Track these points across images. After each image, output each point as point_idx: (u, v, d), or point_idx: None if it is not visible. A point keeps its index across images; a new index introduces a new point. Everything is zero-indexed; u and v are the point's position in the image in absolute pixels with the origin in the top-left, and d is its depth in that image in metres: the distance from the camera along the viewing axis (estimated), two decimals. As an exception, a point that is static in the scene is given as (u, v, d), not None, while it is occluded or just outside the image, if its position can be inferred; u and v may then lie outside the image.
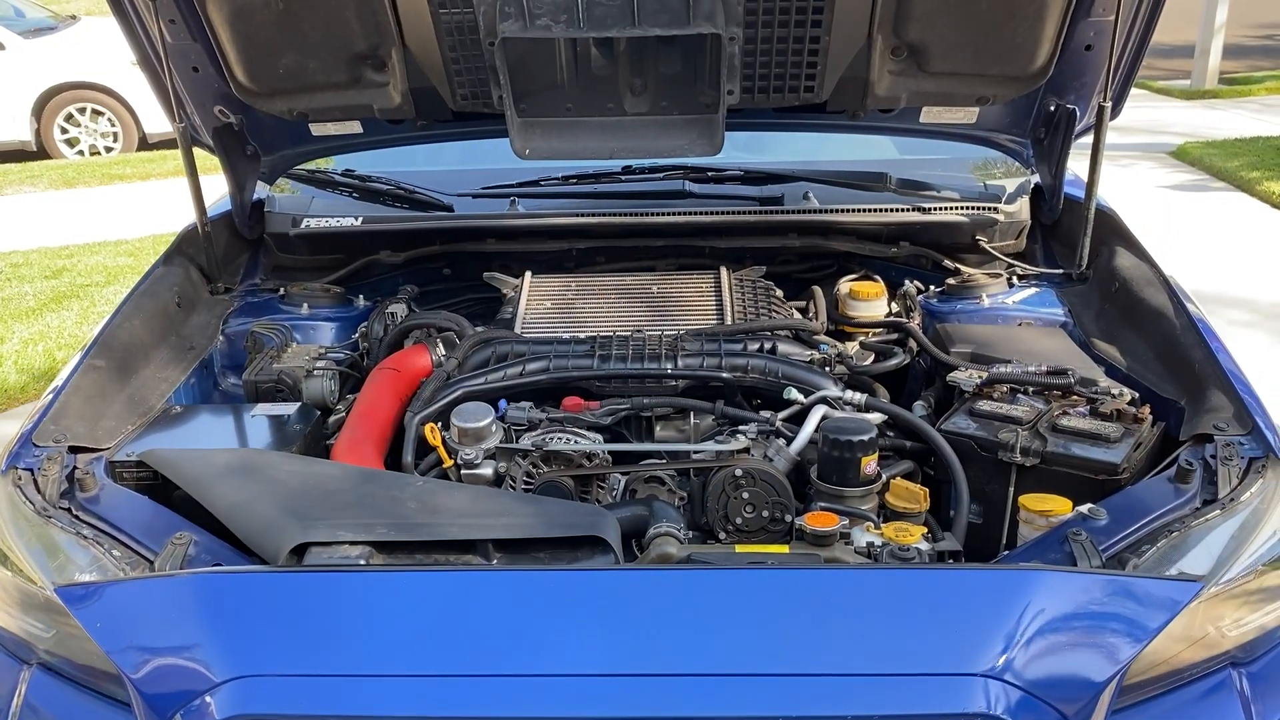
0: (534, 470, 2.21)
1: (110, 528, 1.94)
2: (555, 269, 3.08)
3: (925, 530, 1.99)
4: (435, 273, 3.20)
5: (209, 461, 2.13)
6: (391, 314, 2.87)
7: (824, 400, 2.33)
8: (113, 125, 11.43)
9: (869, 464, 2.11)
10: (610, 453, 2.24)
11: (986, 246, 2.98)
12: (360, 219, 3.05)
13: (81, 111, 11.35)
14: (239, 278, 3.09)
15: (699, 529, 2.18)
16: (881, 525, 2.01)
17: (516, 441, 2.27)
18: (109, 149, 11.47)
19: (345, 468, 2.14)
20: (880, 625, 1.64)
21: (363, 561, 1.79)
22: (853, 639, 1.62)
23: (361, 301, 3.03)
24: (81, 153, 11.39)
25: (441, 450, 2.24)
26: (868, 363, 2.67)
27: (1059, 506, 2.00)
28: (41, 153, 11.29)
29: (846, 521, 1.94)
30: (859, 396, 2.33)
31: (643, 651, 1.60)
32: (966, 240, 3.00)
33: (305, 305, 2.93)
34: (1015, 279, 2.94)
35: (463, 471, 2.23)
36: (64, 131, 11.35)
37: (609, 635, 1.62)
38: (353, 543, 1.82)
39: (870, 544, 1.92)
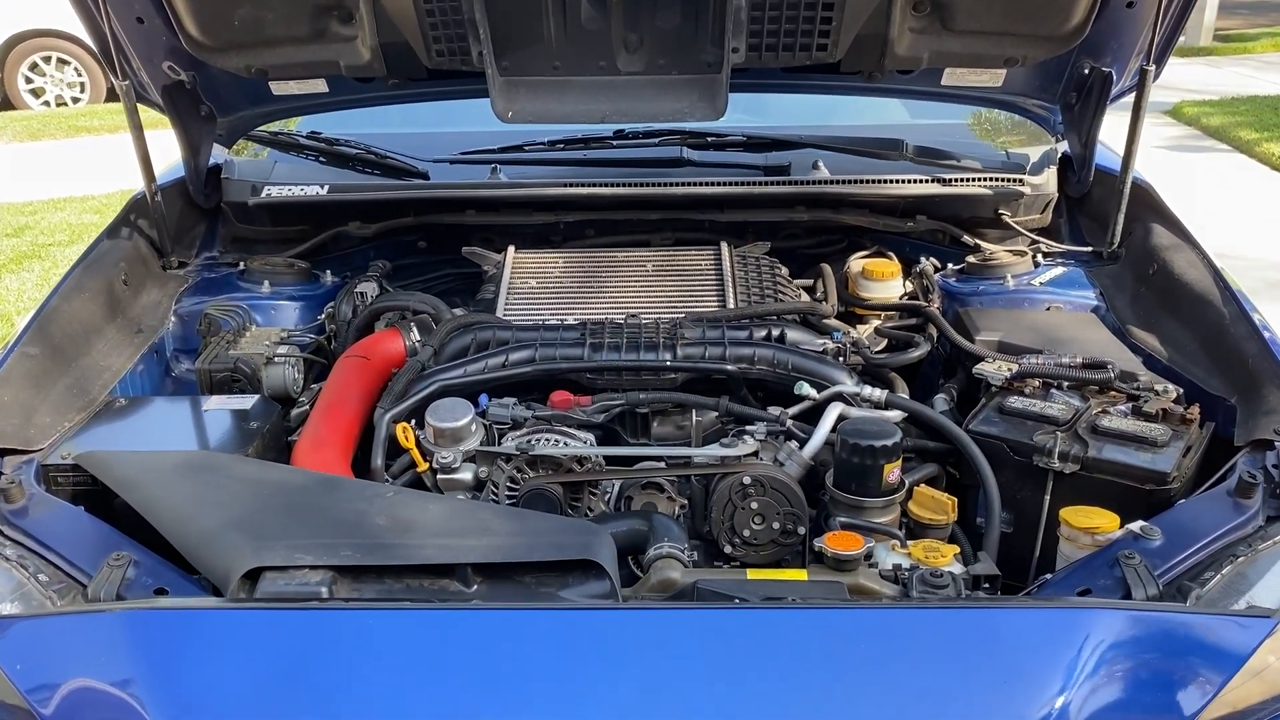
0: (519, 475, 1.99)
1: (38, 545, 1.72)
2: (541, 243, 2.86)
3: (957, 549, 1.79)
4: (409, 246, 2.97)
5: (153, 465, 1.91)
6: (361, 293, 2.64)
7: (840, 397, 2.11)
8: (79, 75, 11.07)
9: (892, 471, 1.90)
10: (604, 457, 2.02)
11: (1010, 221, 2.76)
12: (327, 187, 2.81)
13: (47, 60, 10.99)
14: (194, 251, 2.85)
15: (700, 538, 1.98)
16: (909, 544, 1.80)
17: (499, 443, 2.05)
18: (76, 100, 11.13)
19: (306, 475, 1.92)
20: (917, 673, 1.43)
21: (324, 590, 1.57)
22: (887, 690, 1.41)
23: (329, 278, 2.80)
24: (47, 103, 11.06)
25: (415, 453, 2.02)
26: (884, 352, 2.44)
27: (1106, 523, 1.79)
28: (5, 103, 10.94)
29: (872, 543, 1.72)
30: (878, 393, 2.11)
31: (648, 705, 1.38)
32: (988, 214, 2.78)
33: (266, 282, 2.69)
34: (1040, 257, 2.71)
35: (439, 477, 2.02)
36: (29, 81, 11.00)
37: (609, 686, 1.40)
38: (313, 567, 1.60)
39: (897, 566, 1.72)
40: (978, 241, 2.77)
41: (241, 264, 2.76)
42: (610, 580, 1.60)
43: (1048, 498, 1.99)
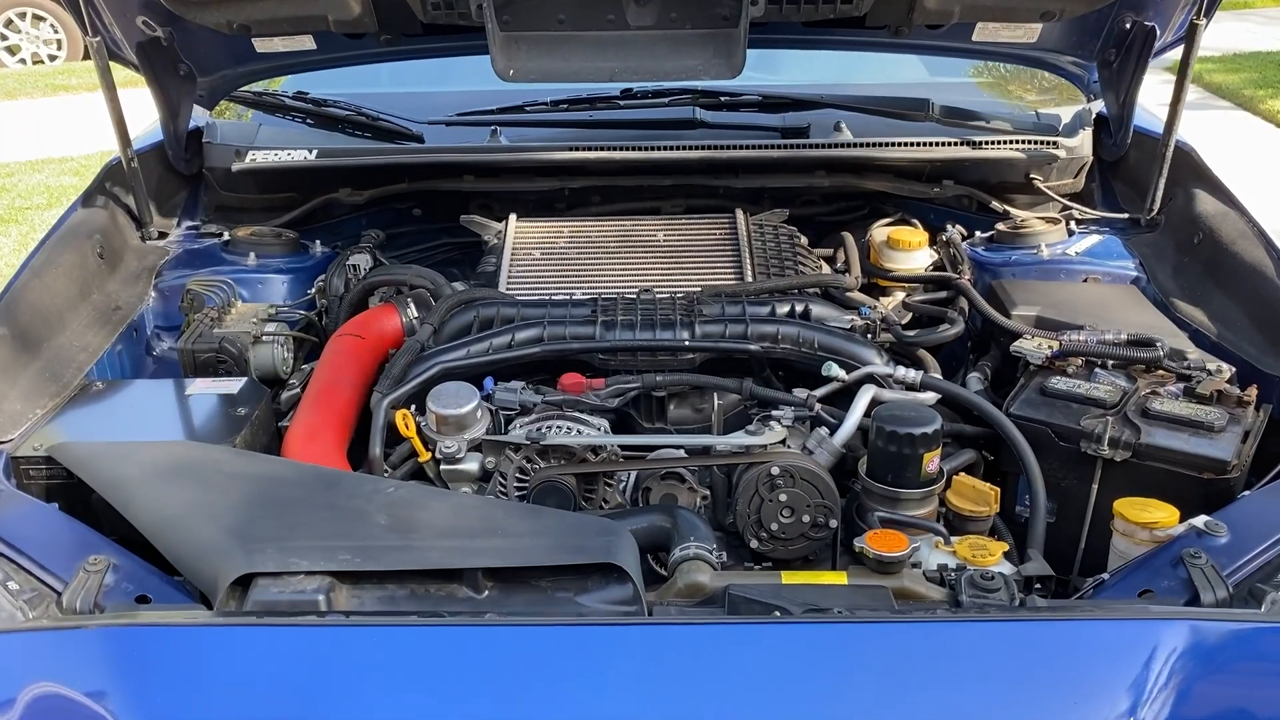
0: (528, 466, 1.85)
1: (8, 548, 1.57)
2: (544, 211, 2.71)
3: (1005, 546, 1.66)
4: (404, 214, 2.81)
5: (133, 458, 1.76)
6: (354, 266, 2.48)
7: (871, 378, 1.97)
8: (56, 32, 10.77)
9: (931, 460, 1.77)
10: (621, 445, 1.87)
11: (1042, 186, 2.61)
12: (315, 151, 2.64)
13: (22, 17, 10.68)
14: (175, 221, 2.68)
15: (722, 529, 1.85)
16: (953, 541, 1.66)
17: (507, 430, 1.91)
18: (52, 58, 10.83)
19: (300, 469, 1.78)
20: (978, 695, 1.30)
21: (321, 598, 1.43)
22: (945, 714, 1.28)
23: (318, 248, 2.64)
24: (23, 61, 10.76)
25: (416, 442, 1.88)
26: (911, 328, 2.29)
27: (1165, 517, 1.66)
28: (-21, 61, 10.63)
29: (917, 543, 1.59)
30: (912, 374, 1.97)
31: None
32: (1019, 179, 2.62)
33: (252, 254, 2.53)
34: (1073, 224, 2.57)
35: (443, 468, 1.87)
36: (3, 39, 10.70)
37: (640, 713, 1.27)
38: (309, 573, 1.46)
39: (942, 566, 1.58)
40: (1006, 208, 2.63)
41: (225, 234, 2.61)
42: (634, 585, 1.47)
43: (1096, 487, 1.86)
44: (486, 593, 1.48)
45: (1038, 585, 1.61)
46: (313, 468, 1.78)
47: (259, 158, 2.62)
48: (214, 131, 2.72)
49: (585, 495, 1.86)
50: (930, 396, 1.96)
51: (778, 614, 1.40)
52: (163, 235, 2.61)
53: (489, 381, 1.99)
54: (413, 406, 1.94)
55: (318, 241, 2.65)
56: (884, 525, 1.67)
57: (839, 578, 1.56)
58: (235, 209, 2.73)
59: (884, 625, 1.36)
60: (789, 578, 1.55)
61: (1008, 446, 1.89)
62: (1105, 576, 1.62)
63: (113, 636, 1.38)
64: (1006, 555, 1.66)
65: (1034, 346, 2.06)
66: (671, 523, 1.68)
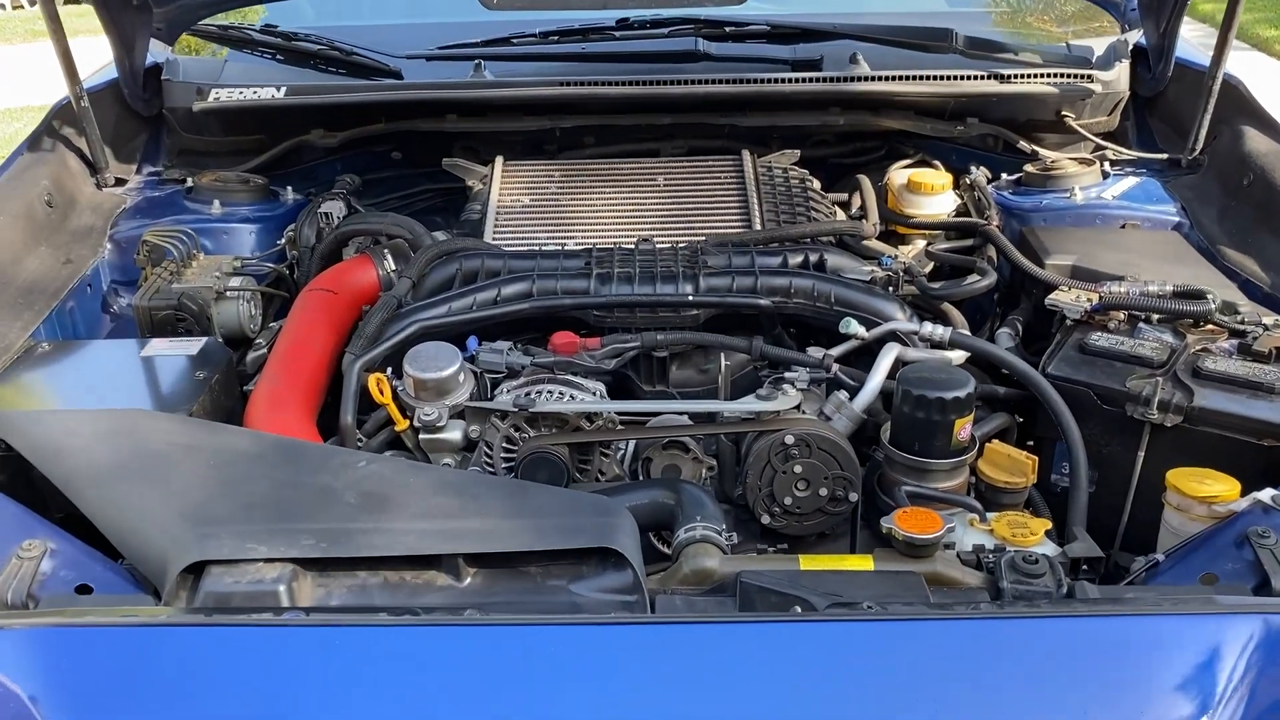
0: (516, 435, 1.68)
1: None
2: (533, 153, 2.53)
3: (1048, 524, 1.50)
4: (382, 157, 2.64)
5: (75, 429, 1.60)
6: (326, 214, 2.32)
7: (894, 336, 1.80)
8: (32, -25, 10.48)
9: (963, 427, 1.60)
10: (618, 412, 1.71)
11: (1074, 124, 2.41)
12: (284, 89, 2.44)
13: (-4, -41, 10.39)
14: (135, 167, 2.51)
15: (730, 502, 1.69)
16: (989, 518, 1.50)
17: (492, 395, 1.74)
18: (32, 2, 10.56)
19: (261, 440, 1.61)
20: (1034, 703, 1.14)
21: (282, 588, 1.28)
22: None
23: (289, 195, 2.47)
24: (2, 7, 10.49)
25: (393, 408, 1.72)
26: (936, 281, 2.11)
27: (1226, 490, 1.50)
28: (-47, 6, 10.38)
29: (952, 523, 1.42)
30: (940, 330, 1.80)
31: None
32: (1048, 116, 2.43)
33: (216, 202, 2.37)
34: (1108, 166, 2.38)
35: (422, 437, 1.71)
36: (-21, -18, 10.43)
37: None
38: (269, 560, 1.30)
39: (979, 547, 1.42)
40: (1035, 148, 2.44)
41: (188, 180, 2.43)
42: (633, 571, 1.31)
43: (1142, 454, 1.70)
44: (469, 580, 1.34)
45: (1085, 568, 1.45)
46: (275, 439, 1.61)
47: (223, 96, 2.43)
48: (175, 68, 2.53)
49: (579, 467, 1.70)
50: (959, 355, 1.80)
51: (798, 609, 1.24)
52: (120, 182, 2.44)
53: (472, 341, 1.82)
54: (389, 369, 1.77)
55: (289, 188, 2.48)
56: (913, 501, 1.51)
57: (864, 562, 1.39)
58: (199, 153, 2.55)
59: (921, 623, 1.19)
60: (808, 563, 1.39)
61: (1042, 410, 1.73)
62: (1160, 557, 1.45)
63: (44, 637, 1.22)
64: (1050, 534, 1.50)
65: (1071, 299, 1.89)
66: (675, 499, 1.52)
